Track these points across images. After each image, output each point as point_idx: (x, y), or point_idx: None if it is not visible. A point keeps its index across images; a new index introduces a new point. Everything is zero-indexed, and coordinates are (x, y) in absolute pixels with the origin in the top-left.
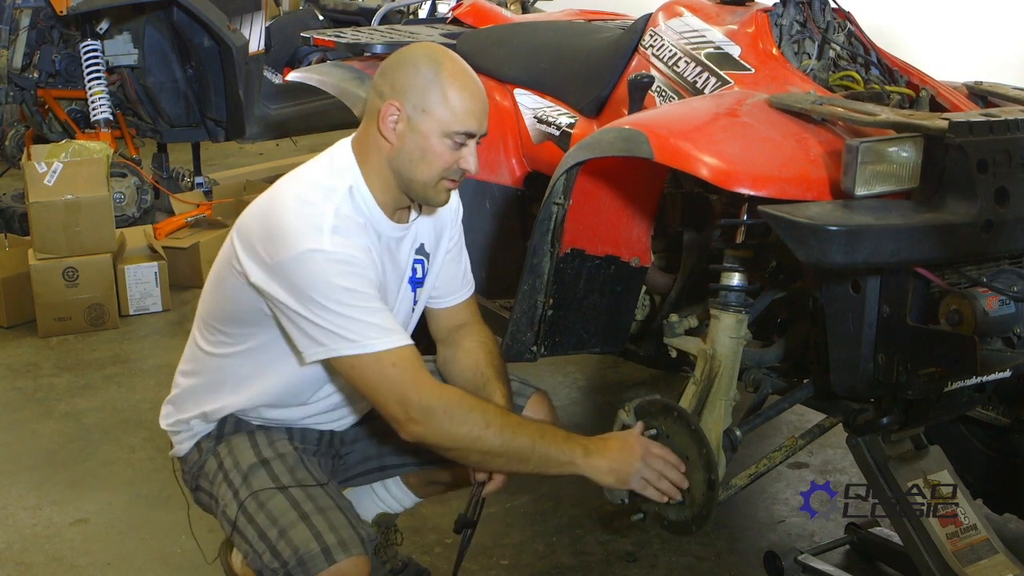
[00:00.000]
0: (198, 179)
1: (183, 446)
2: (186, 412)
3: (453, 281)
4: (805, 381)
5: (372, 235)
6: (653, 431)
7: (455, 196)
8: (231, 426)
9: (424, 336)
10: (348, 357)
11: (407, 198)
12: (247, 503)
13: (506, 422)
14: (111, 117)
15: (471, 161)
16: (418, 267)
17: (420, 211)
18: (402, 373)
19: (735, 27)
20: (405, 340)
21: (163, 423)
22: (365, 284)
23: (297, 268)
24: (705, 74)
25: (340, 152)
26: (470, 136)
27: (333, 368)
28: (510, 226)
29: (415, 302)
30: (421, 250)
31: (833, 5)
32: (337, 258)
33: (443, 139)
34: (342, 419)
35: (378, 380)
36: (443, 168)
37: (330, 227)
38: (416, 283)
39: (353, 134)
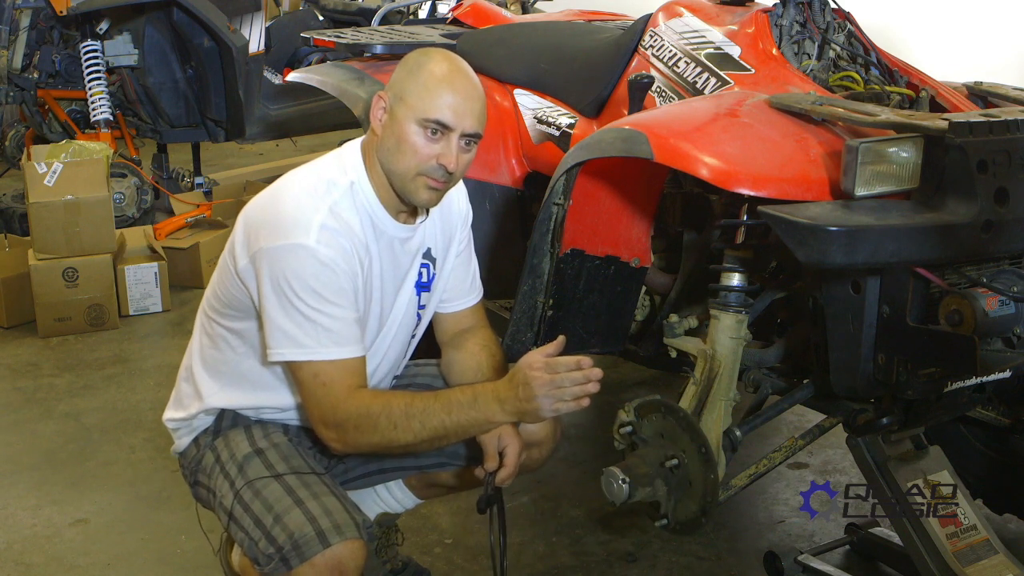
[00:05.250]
0: (198, 179)
1: (182, 442)
2: (186, 407)
3: (461, 286)
4: (805, 381)
5: (366, 235)
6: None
7: (464, 200)
8: (228, 421)
9: (427, 340)
10: (293, 362)
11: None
12: (242, 492)
13: (411, 414)
14: (111, 117)
15: (449, 158)
16: (424, 271)
17: (428, 214)
18: (327, 393)
19: (735, 27)
20: (353, 352)
21: (165, 418)
22: (334, 292)
23: (279, 256)
24: (705, 74)
25: (349, 149)
26: (444, 127)
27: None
28: (510, 226)
29: (420, 306)
30: (428, 254)
31: (833, 5)
32: (318, 257)
33: (416, 127)
34: None
35: (308, 395)
36: (419, 160)
37: (319, 223)
38: (422, 287)
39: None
